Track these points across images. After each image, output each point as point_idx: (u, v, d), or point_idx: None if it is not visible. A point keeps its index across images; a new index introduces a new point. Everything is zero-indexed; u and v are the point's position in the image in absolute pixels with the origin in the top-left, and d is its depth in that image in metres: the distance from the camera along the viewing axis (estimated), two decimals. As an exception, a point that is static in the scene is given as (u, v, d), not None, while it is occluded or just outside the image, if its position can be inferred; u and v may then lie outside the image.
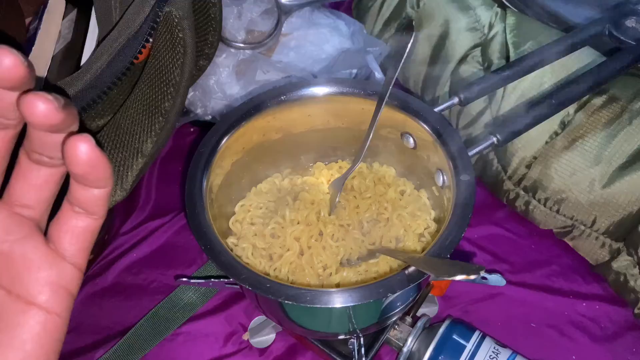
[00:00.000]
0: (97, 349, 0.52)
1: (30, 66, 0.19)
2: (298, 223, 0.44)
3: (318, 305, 0.33)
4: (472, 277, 0.29)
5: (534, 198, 0.55)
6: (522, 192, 0.56)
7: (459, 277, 0.29)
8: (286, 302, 0.33)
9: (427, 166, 0.44)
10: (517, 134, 0.41)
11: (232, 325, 0.53)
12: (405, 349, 0.46)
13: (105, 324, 0.54)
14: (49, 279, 0.23)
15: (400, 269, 0.35)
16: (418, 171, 0.46)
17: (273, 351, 0.51)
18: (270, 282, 0.34)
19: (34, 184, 0.22)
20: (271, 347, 0.51)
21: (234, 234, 0.45)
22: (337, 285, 0.41)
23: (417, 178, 0.47)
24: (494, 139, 0.40)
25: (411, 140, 0.44)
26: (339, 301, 0.33)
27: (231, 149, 0.43)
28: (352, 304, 0.33)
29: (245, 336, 0.52)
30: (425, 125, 0.41)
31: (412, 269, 0.34)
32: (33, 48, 0.55)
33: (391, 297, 0.36)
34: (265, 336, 0.51)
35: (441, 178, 0.42)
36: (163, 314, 0.53)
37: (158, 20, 0.45)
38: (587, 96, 0.47)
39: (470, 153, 0.39)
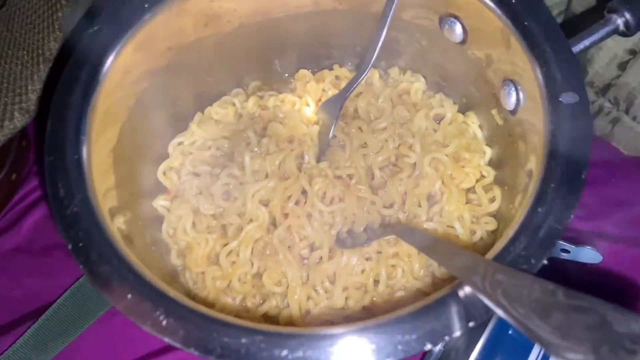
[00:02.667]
0: (7, 333, 0.42)
1: None
2: (267, 176, 0.32)
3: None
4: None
5: (627, 113, 0.43)
6: (607, 105, 0.44)
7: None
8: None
9: (485, 74, 0.32)
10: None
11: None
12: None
13: (17, 299, 0.44)
14: None
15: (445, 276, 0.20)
16: (467, 82, 0.34)
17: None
18: (208, 324, 0.18)
19: None
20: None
21: (167, 191, 0.33)
22: (332, 283, 0.28)
23: (464, 94, 0.35)
24: (619, 22, 0.28)
25: (458, 28, 0.32)
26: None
27: (143, 50, 0.29)
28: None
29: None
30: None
31: (468, 291, 0.18)
32: None
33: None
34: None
35: (513, 95, 0.29)
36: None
37: None
38: None
39: (576, 48, 0.26)
